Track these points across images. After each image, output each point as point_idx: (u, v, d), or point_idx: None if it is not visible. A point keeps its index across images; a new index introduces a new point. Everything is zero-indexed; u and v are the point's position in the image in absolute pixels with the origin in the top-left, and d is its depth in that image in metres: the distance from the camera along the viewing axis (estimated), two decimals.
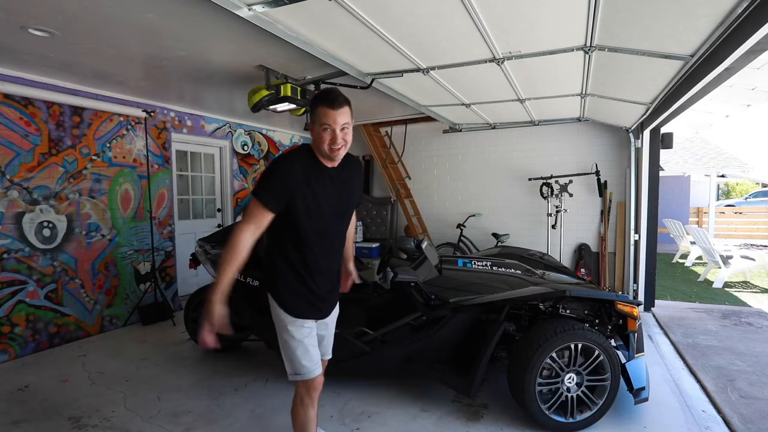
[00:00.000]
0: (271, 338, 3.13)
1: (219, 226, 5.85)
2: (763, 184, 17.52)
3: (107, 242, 4.34)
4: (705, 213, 11.54)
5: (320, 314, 1.92)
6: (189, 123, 5.26)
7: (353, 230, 2.16)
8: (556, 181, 5.41)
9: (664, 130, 5.00)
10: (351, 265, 2.18)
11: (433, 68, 3.26)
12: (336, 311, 2.06)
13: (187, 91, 4.32)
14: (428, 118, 5.55)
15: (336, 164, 1.80)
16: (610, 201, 5.34)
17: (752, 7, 1.86)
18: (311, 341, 1.88)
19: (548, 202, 5.46)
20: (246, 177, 6.15)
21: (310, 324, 1.88)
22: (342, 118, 1.67)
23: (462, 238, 5.93)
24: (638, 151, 4.93)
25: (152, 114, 4.66)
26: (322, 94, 1.71)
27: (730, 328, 4.31)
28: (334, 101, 1.66)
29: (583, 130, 5.49)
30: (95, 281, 4.24)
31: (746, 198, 16.20)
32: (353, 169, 1.91)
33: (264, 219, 1.69)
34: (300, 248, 1.78)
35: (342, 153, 1.74)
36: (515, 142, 5.91)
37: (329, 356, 2.13)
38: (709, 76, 2.59)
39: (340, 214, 1.87)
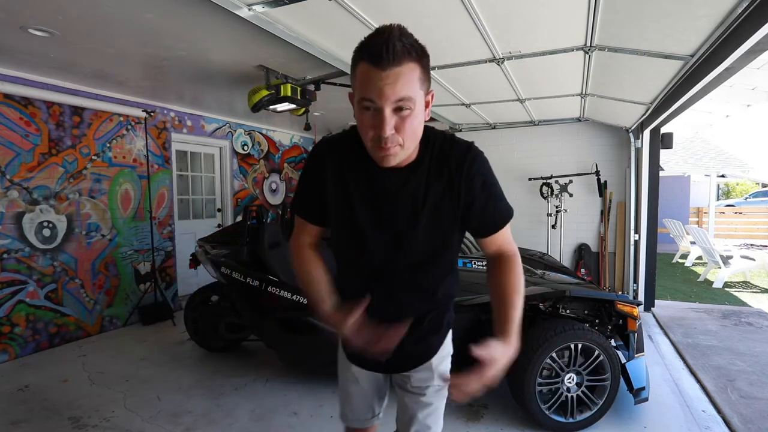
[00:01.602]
0: (271, 338, 3.14)
1: (219, 226, 5.85)
2: (763, 184, 17.52)
3: (107, 242, 4.34)
4: (705, 213, 11.53)
5: (368, 364, 1.28)
6: (189, 123, 5.26)
7: (509, 279, 1.11)
8: (556, 181, 5.41)
9: (664, 130, 5.00)
10: (494, 344, 0.99)
11: (433, 68, 3.25)
12: (426, 378, 1.25)
13: (187, 91, 4.33)
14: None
15: (403, 163, 1.04)
16: (610, 201, 5.34)
17: (752, 7, 1.86)
18: (356, 389, 1.33)
19: (548, 202, 5.46)
20: (246, 177, 6.15)
21: (361, 373, 1.30)
22: (397, 87, 0.88)
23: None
24: (638, 151, 4.92)
25: (152, 114, 4.66)
26: (366, 38, 0.92)
27: (730, 328, 4.31)
28: (384, 53, 0.86)
29: (583, 130, 5.49)
30: (95, 281, 4.24)
31: (746, 198, 16.20)
32: (452, 172, 1.05)
33: (304, 227, 1.23)
34: (343, 272, 1.25)
35: (396, 156, 0.97)
36: (515, 142, 5.91)
37: None
38: (709, 76, 2.59)
39: (389, 239, 1.11)
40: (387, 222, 1.09)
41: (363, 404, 1.35)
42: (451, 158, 1.05)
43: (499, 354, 0.98)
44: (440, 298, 1.22)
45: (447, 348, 1.30)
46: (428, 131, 1.07)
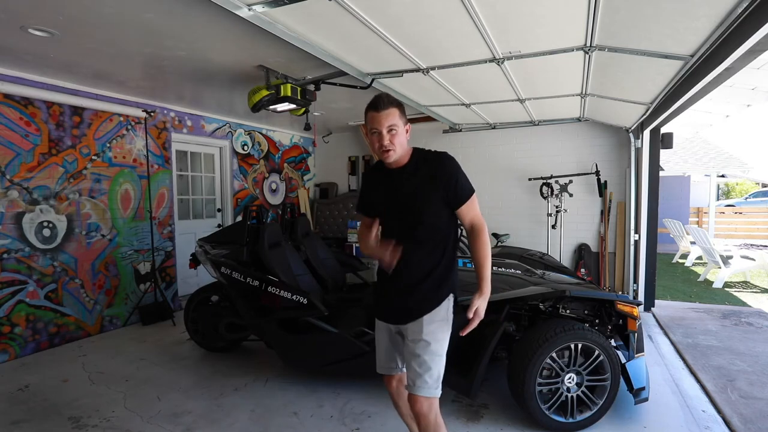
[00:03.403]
0: (271, 338, 3.13)
1: (219, 226, 5.85)
2: (763, 184, 17.53)
3: (107, 242, 4.34)
4: (705, 213, 11.53)
5: (383, 316, 1.89)
6: (189, 123, 5.26)
7: (479, 246, 1.73)
8: (556, 181, 5.41)
9: (664, 130, 5.00)
10: (476, 299, 1.69)
11: (433, 68, 3.26)
12: (418, 331, 1.73)
13: (187, 91, 4.33)
14: (428, 118, 5.55)
15: (398, 166, 1.77)
16: (610, 201, 5.34)
17: (752, 7, 1.86)
18: (380, 340, 1.92)
19: (548, 202, 5.46)
20: (246, 177, 6.15)
21: (381, 325, 1.90)
22: (388, 119, 1.66)
23: (462, 238, 5.93)
24: (638, 151, 4.92)
25: (152, 114, 4.66)
26: (370, 101, 1.72)
27: (730, 328, 4.31)
28: (378, 104, 1.67)
29: (583, 130, 5.49)
30: (95, 281, 4.24)
31: (746, 198, 16.19)
32: (432, 169, 1.74)
33: (363, 219, 1.96)
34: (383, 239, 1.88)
35: (393, 155, 1.70)
36: (515, 142, 5.91)
37: (412, 390, 1.73)
38: (709, 76, 2.59)
39: (397, 215, 1.78)
40: (391, 200, 1.79)
41: (385, 354, 1.91)
42: (430, 161, 1.77)
43: (478, 302, 1.69)
44: (435, 265, 1.75)
45: (440, 315, 1.75)
46: (415, 149, 1.82)
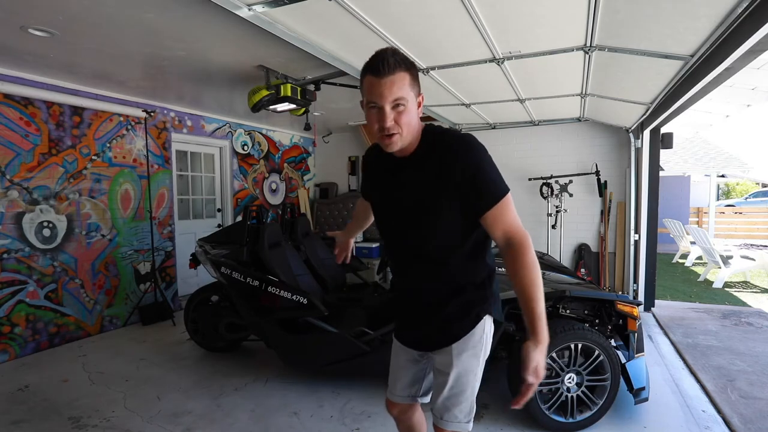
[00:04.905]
0: (271, 338, 3.14)
1: (219, 226, 5.85)
2: (763, 184, 17.53)
3: (107, 242, 4.34)
4: (705, 213, 11.53)
5: (401, 339, 1.51)
6: (189, 123, 5.26)
7: (517, 270, 1.19)
8: (556, 181, 5.41)
9: (664, 130, 5.00)
10: (531, 349, 1.19)
11: (433, 68, 3.26)
12: (446, 363, 1.35)
13: (187, 91, 4.32)
14: (428, 118, 5.55)
15: (404, 154, 1.28)
16: (610, 201, 5.34)
17: (752, 7, 1.86)
18: (396, 363, 1.54)
19: (548, 202, 5.46)
20: (246, 177, 6.15)
21: (400, 348, 1.51)
22: (394, 89, 1.14)
23: None
24: (638, 151, 4.92)
25: (152, 114, 4.66)
26: (369, 59, 1.20)
27: (730, 328, 4.31)
28: (381, 65, 1.14)
29: (583, 130, 5.49)
30: (95, 281, 4.24)
31: (746, 198, 16.19)
32: (440, 161, 1.22)
33: (363, 200, 1.71)
34: (385, 249, 1.63)
35: (398, 142, 1.20)
36: (515, 142, 5.91)
37: (440, 424, 1.38)
38: (709, 76, 2.59)
39: (401, 224, 1.34)
40: (396, 199, 1.33)
41: (399, 379, 1.53)
42: (440, 149, 1.23)
43: (536, 355, 1.17)
44: (461, 285, 1.33)
45: (473, 341, 1.34)
46: (428, 127, 1.30)
